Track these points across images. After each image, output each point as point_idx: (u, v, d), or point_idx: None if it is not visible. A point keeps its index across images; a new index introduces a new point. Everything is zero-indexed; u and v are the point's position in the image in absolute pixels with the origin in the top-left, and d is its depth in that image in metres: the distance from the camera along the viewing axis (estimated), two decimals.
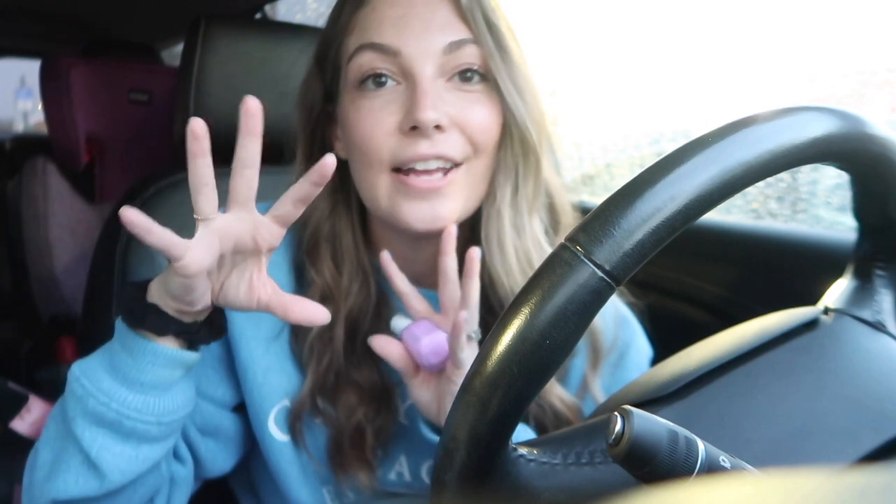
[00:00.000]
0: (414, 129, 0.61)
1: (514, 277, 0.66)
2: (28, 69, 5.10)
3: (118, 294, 0.62)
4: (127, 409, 0.56)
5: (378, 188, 0.64)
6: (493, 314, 0.68)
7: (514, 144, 0.65)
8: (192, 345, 0.59)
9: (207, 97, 1.06)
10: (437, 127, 0.61)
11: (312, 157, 0.71)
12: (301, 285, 0.71)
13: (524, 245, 0.67)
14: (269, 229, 0.54)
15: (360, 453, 0.67)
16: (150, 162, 1.89)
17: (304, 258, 0.71)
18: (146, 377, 0.57)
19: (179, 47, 1.40)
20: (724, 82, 1.49)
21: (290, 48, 1.10)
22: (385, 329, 0.69)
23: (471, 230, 0.69)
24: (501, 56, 0.63)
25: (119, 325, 0.58)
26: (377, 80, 0.63)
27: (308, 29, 1.15)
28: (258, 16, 1.87)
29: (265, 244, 0.55)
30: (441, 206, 0.63)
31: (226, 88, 1.07)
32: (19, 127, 6.14)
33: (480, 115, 0.63)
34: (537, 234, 0.68)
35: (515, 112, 0.64)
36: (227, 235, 0.53)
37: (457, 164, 0.64)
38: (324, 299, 0.68)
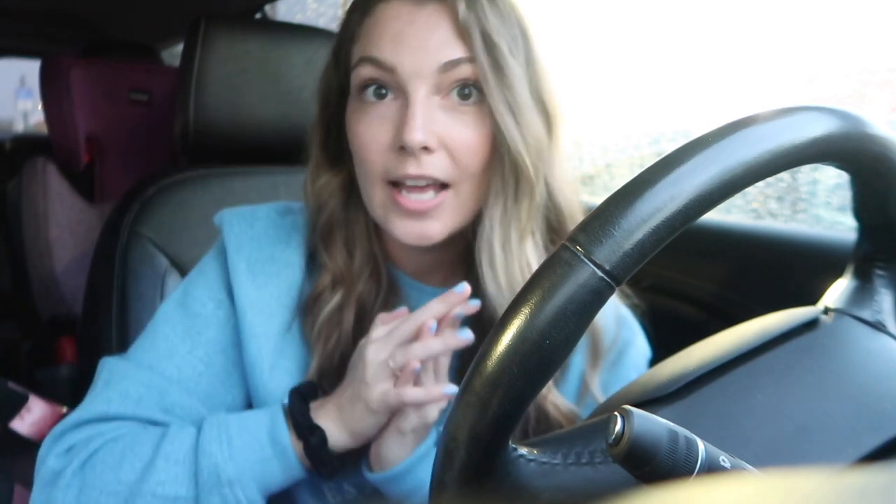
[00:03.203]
0: (403, 148, 0.61)
1: (503, 297, 0.66)
2: (28, 69, 5.10)
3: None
4: None
5: (374, 198, 0.66)
6: (484, 333, 0.68)
7: (504, 166, 0.64)
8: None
9: (207, 97, 1.06)
10: (425, 148, 0.61)
11: (328, 147, 0.72)
12: (312, 269, 0.73)
13: (512, 267, 0.66)
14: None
15: None
16: (150, 162, 1.89)
17: (319, 243, 0.72)
18: (280, 487, 0.65)
19: (179, 47, 1.40)
20: (724, 82, 1.49)
21: (290, 48, 1.10)
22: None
23: (466, 246, 0.70)
24: (496, 75, 0.62)
25: (284, 449, 0.63)
26: (378, 90, 0.64)
27: (308, 29, 1.15)
28: (258, 16, 1.87)
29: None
30: (428, 227, 0.64)
31: (226, 88, 1.07)
32: (19, 127, 6.14)
33: (467, 137, 0.63)
34: (528, 258, 0.67)
35: (507, 135, 0.63)
36: None
37: (445, 186, 0.64)
38: (335, 283, 0.70)
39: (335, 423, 0.64)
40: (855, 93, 1.30)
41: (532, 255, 0.68)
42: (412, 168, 0.62)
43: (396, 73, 0.62)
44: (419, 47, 0.62)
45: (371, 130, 0.64)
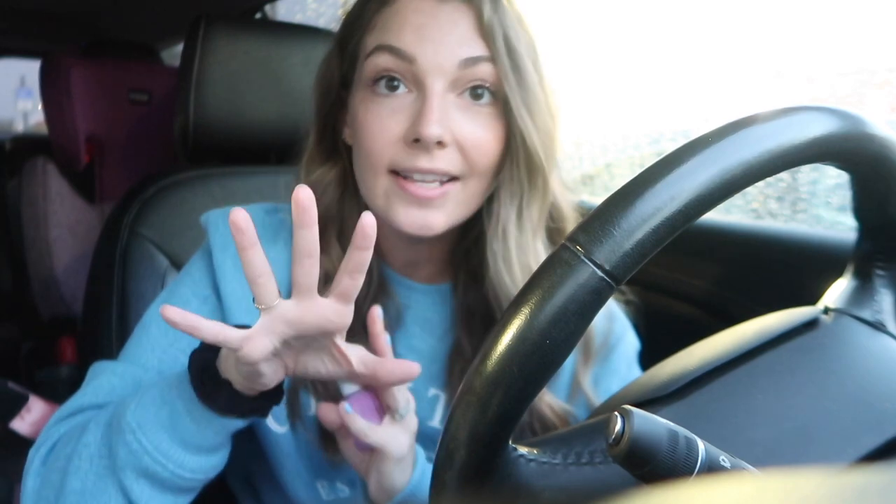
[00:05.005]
0: (416, 141, 0.61)
1: (516, 288, 0.67)
2: (28, 69, 5.10)
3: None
4: (182, 469, 0.58)
5: (376, 187, 0.65)
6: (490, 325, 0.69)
7: (520, 165, 0.65)
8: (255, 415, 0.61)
9: (207, 97, 1.06)
10: (439, 143, 0.61)
11: (324, 140, 0.72)
12: None
13: (528, 264, 0.67)
14: (335, 310, 0.53)
15: None
16: (150, 162, 1.89)
17: None
18: (206, 443, 0.59)
19: (179, 47, 1.40)
20: (724, 82, 1.50)
21: (290, 48, 1.10)
22: (385, 309, 0.70)
23: (470, 242, 0.70)
24: (516, 77, 0.63)
25: (185, 390, 0.58)
26: (390, 82, 0.63)
27: (308, 29, 1.15)
28: (258, 16, 1.87)
29: (334, 327, 0.53)
30: (432, 216, 0.64)
31: (226, 88, 1.07)
32: (19, 127, 6.14)
33: (480, 136, 0.63)
34: (540, 257, 0.68)
35: (525, 134, 0.64)
36: (289, 324, 0.52)
37: (454, 178, 0.64)
38: (327, 279, 0.69)
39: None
40: (854, 93, 1.30)
41: (543, 254, 0.69)
42: (423, 162, 0.62)
43: (416, 63, 0.62)
44: (441, 41, 0.62)
45: (381, 122, 0.63)
